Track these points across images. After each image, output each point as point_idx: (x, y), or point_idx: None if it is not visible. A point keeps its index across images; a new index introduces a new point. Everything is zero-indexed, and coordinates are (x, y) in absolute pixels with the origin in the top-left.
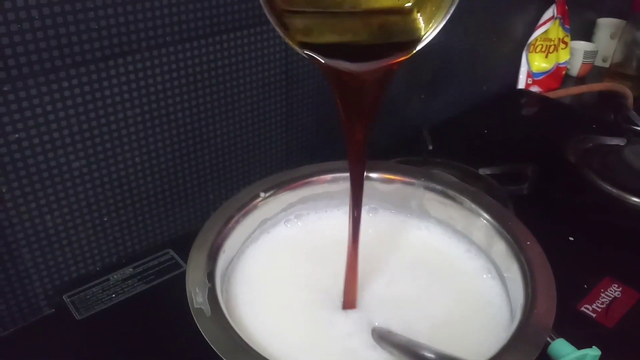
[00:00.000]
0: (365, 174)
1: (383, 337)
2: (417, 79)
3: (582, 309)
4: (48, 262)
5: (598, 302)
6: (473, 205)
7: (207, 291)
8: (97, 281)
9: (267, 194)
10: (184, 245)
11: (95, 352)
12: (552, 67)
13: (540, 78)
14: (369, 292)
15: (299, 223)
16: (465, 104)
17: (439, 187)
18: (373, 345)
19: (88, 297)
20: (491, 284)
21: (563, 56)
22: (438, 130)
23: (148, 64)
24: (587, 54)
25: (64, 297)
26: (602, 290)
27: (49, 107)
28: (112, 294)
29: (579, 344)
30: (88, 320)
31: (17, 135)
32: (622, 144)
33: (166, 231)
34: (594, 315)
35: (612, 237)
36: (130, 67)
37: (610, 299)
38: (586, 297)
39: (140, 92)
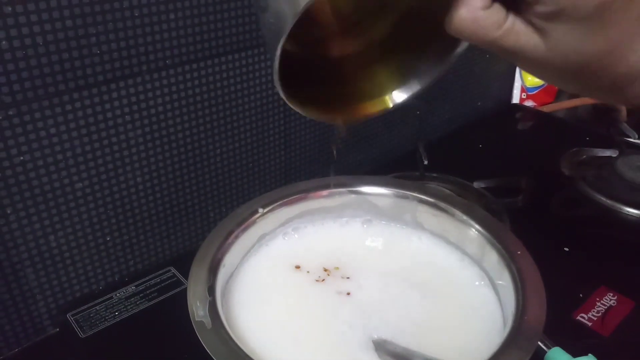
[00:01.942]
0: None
1: (380, 347)
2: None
3: (578, 318)
4: (52, 281)
5: (594, 311)
6: (465, 217)
7: (207, 304)
8: (100, 300)
9: (266, 210)
10: (185, 263)
11: None
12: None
13: (534, 92)
14: (368, 304)
15: (295, 236)
16: (461, 119)
17: (431, 199)
18: (371, 355)
19: (92, 315)
20: (484, 291)
21: None
22: (434, 146)
23: (149, 86)
24: None
25: (67, 316)
26: (598, 299)
27: (52, 130)
28: (115, 312)
29: (575, 353)
30: (92, 338)
31: (22, 158)
32: (614, 155)
33: (167, 249)
34: (589, 324)
35: (607, 247)
36: (132, 90)
37: (606, 307)
38: (582, 307)
39: (142, 114)
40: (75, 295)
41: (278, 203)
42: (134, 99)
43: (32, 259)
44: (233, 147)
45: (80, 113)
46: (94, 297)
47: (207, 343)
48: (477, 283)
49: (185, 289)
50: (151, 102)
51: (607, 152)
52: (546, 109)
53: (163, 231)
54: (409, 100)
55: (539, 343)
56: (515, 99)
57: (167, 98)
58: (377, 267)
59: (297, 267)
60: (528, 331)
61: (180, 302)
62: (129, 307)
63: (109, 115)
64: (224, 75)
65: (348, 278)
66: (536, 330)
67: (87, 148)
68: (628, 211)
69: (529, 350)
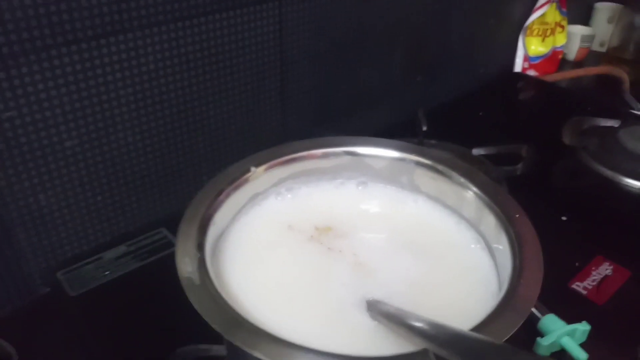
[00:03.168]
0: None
1: (373, 307)
2: (414, 62)
3: (573, 286)
4: (42, 241)
5: (589, 280)
6: (463, 180)
7: (196, 261)
8: (90, 259)
9: (258, 168)
10: (177, 225)
11: (91, 328)
12: (549, 51)
13: (537, 62)
14: (362, 265)
15: (289, 196)
16: (462, 87)
17: (429, 162)
18: (364, 315)
19: (82, 274)
20: (480, 254)
21: (560, 40)
22: (434, 113)
23: (140, 42)
24: (584, 38)
25: (57, 275)
26: (594, 268)
27: (40, 86)
28: (105, 272)
29: (570, 320)
30: (82, 297)
31: (8, 114)
32: (617, 125)
33: (160, 211)
34: (584, 292)
35: (605, 217)
36: (122, 46)
37: (602, 277)
38: (577, 275)
39: (132, 71)
40: (66, 255)
41: (271, 162)
42: (124, 55)
43: (22, 218)
44: (227, 109)
45: (69, 69)
46: (85, 257)
47: (195, 300)
48: (472, 246)
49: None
50: (142, 60)
51: (610, 122)
52: (549, 78)
53: (155, 192)
54: None
55: (533, 310)
56: (518, 68)
57: (159, 55)
58: (372, 229)
59: (290, 227)
60: (524, 295)
61: (171, 263)
62: (119, 267)
63: (99, 71)
64: (218, 33)
65: (342, 239)
66: (532, 293)
67: (77, 105)
68: (628, 182)
69: (524, 313)
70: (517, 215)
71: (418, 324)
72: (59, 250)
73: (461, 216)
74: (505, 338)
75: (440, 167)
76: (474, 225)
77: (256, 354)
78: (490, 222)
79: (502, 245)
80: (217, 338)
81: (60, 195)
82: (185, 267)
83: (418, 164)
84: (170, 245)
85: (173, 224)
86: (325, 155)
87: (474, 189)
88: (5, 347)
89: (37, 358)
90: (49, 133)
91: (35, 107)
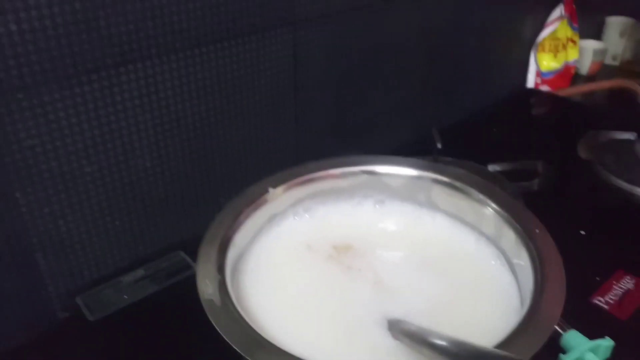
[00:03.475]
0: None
1: (394, 327)
2: (427, 82)
3: (595, 301)
4: (62, 266)
5: (611, 294)
6: (481, 196)
7: (217, 283)
8: (109, 283)
9: (276, 189)
10: (194, 248)
11: (111, 352)
12: (561, 66)
13: (549, 77)
14: (382, 283)
15: (307, 216)
16: (475, 105)
17: (447, 179)
18: (385, 334)
19: (101, 298)
20: (500, 270)
21: (572, 55)
22: (448, 132)
23: (158, 69)
24: (596, 53)
25: (76, 299)
26: (615, 282)
27: (61, 114)
28: (124, 295)
29: (592, 336)
30: (102, 321)
31: (30, 142)
32: (632, 138)
33: (177, 234)
34: (606, 307)
35: (624, 230)
36: (141, 74)
37: (624, 291)
38: (599, 290)
39: (151, 97)
40: (85, 280)
41: (289, 183)
42: (143, 82)
43: (42, 244)
44: (244, 132)
45: (89, 97)
46: (103, 281)
47: (217, 321)
48: (493, 262)
49: (195, 273)
50: (160, 86)
51: (626, 135)
52: (562, 93)
53: (173, 216)
54: None
55: (555, 326)
56: (530, 84)
57: (177, 82)
58: (391, 247)
59: (309, 246)
60: (547, 311)
61: (189, 285)
62: (138, 290)
63: (118, 98)
64: (235, 58)
65: (361, 258)
66: (556, 309)
67: (96, 132)
68: None
69: (548, 330)
70: (538, 231)
71: (440, 342)
72: (78, 275)
73: (480, 232)
74: (530, 356)
75: (458, 184)
76: (493, 242)
77: None
78: (510, 238)
79: (523, 261)
80: None
81: (79, 220)
82: (206, 289)
83: (435, 181)
84: (188, 267)
85: (190, 247)
86: (342, 175)
87: (493, 205)
88: None
89: None
90: (69, 160)
91: (56, 135)
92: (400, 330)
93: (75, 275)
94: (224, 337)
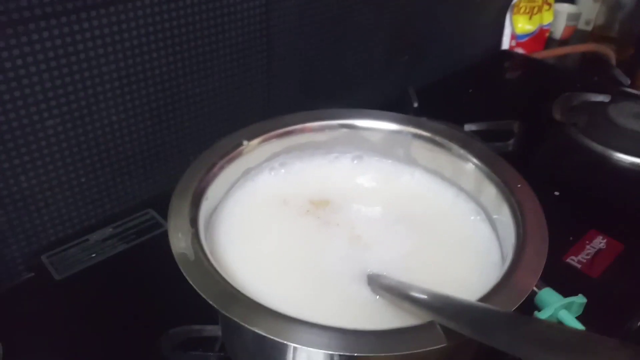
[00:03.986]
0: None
1: (373, 281)
2: (401, 40)
3: (568, 260)
4: (24, 224)
5: (583, 254)
6: (462, 151)
7: (190, 236)
8: (76, 242)
9: (250, 142)
10: (164, 205)
11: (78, 311)
12: (536, 29)
13: (524, 40)
14: (359, 238)
15: (282, 171)
16: (450, 66)
17: (427, 134)
18: (362, 288)
19: (67, 257)
20: (480, 226)
21: (547, 18)
22: (423, 91)
23: (123, 17)
24: (570, 17)
25: (42, 258)
26: (588, 242)
27: (19, 62)
28: (92, 254)
29: (566, 294)
30: (69, 280)
31: None
32: (606, 100)
33: (146, 192)
34: (579, 266)
35: (597, 191)
36: (104, 20)
37: (595, 250)
38: (571, 249)
39: (116, 47)
40: (50, 239)
41: (264, 136)
42: (107, 30)
43: (2, 200)
44: (213, 86)
45: (48, 44)
46: (70, 240)
47: (190, 275)
48: (472, 218)
49: (165, 231)
50: (126, 35)
51: (600, 98)
52: (536, 56)
53: (140, 173)
54: None
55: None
56: (505, 46)
57: (143, 30)
58: (369, 203)
59: (285, 201)
60: (530, 264)
61: (159, 243)
62: (106, 249)
63: (80, 47)
64: (204, 7)
65: (338, 213)
66: (538, 263)
67: (58, 82)
68: (619, 157)
69: (531, 284)
70: (519, 186)
71: (423, 297)
72: (42, 234)
73: (460, 188)
74: (512, 309)
75: (438, 138)
76: (473, 197)
77: (255, 329)
78: (490, 193)
79: (504, 216)
80: (210, 318)
81: (42, 176)
82: (179, 242)
83: (415, 136)
84: (158, 226)
85: (160, 205)
86: (320, 129)
87: (474, 160)
88: None
89: (23, 343)
90: (28, 112)
91: (13, 84)
92: (380, 284)
93: (39, 233)
94: (198, 291)
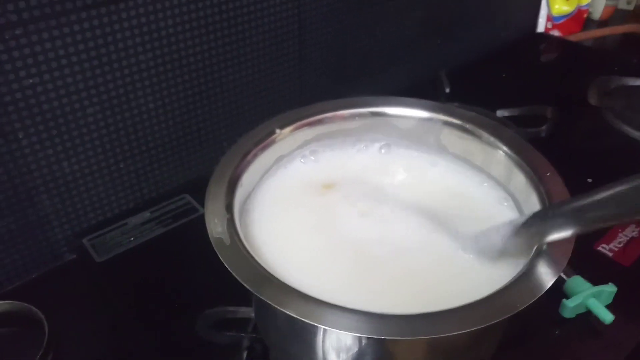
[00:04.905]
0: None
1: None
2: (433, 21)
3: (599, 248)
4: (67, 208)
5: (615, 242)
6: (492, 139)
7: (225, 222)
8: (115, 225)
9: (283, 130)
10: (199, 190)
11: (118, 293)
12: (574, 10)
13: (560, 22)
14: (387, 224)
15: (312, 158)
16: (483, 49)
17: (457, 121)
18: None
19: (107, 240)
20: (508, 213)
21: None
22: (455, 75)
23: (159, 6)
24: None
25: (83, 241)
26: (620, 230)
27: (61, 52)
28: (130, 237)
29: (596, 282)
30: (109, 262)
31: (31, 81)
32: None
33: (182, 177)
34: (610, 254)
35: None
36: (141, 10)
37: (628, 238)
38: (603, 237)
39: (152, 35)
40: (91, 222)
41: (296, 124)
42: (143, 19)
43: (47, 185)
44: (246, 73)
45: (88, 34)
46: (109, 223)
47: (226, 259)
48: (500, 205)
49: (201, 215)
50: (161, 24)
51: (637, 82)
52: (573, 38)
53: (177, 158)
54: None
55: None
56: (541, 28)
57: (178, 19)
58: (400, 191)
59: (316, 188)
60: (555, 253)
61: (196, 227)
62: (144, 232)
63: (119, 36)
64: None
65: (369, 201)
66: (564, 251)
67: (98, 72)
68: None
69: (556, 271)
70: (549, 174)
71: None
72: (83, 217)
73: (489, 175)
74: (537, 297)
75: (468, 125)
76: (502, 185)
77: (286, 310)
78: (520, 181)
79: (532, 204)
80: (244, 300)
81: (83, 162)
82: (215, 227)
83: (446, 123)
84: (194, 210)
85: (195, 190)
86: (351, 116)
87: (504, 147)
88: (36, 314)
89: (66, 323)
90: (70, 100)
91: (56, 74)
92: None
93: (80, 217)
94: (233, 274)
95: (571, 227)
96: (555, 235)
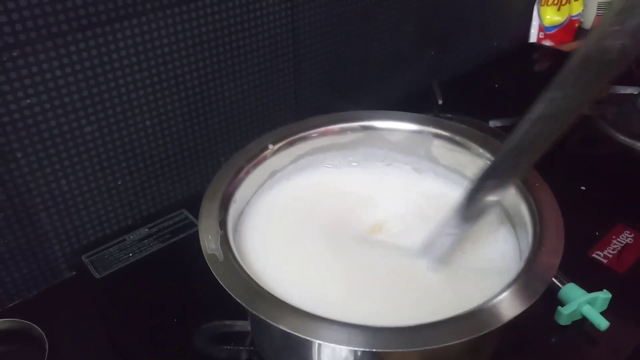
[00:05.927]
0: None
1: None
2: (427, 33)
3: (594, 255)
4: (66, 226)
5: (609, 249)
6: (481, 150)
7: (219, 238)
8: (114, 242)
9: (276, 146)
10: (197, 205)
11: (117, 309)
12: (565, 20)
13: (552, 32)
14: (384, 235)
15: (307, 172)
16: (476, 59)
17: (447, 133)
18: (388, 290)
19: (106, 257)
20: (498, 223)
21: (576, 8)
22: (448, 86)
23: (154, 25)
24: (600, 5)
25: (82, 258)
26: (614, 237)
27: (58, 72)
28: (129, 253)
29: (591, 289)
30: (108, 279)
31: (28, 101)
32: (635, 92)
33: (179, 192)
34: (605, 261)
35: (625, 185)
36: (136, 30)
37: (622, 245)
38: (598, 244)
39: (148, 54)
40: (90, 239)
41: (289, 139)
42: (138, 39)
43: (46, 203)
44: (242, 89)
45: (84, 54)
46: (108, 240)
47: (220, 275)
48: (490, 216)
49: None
50: (157, 43)
51: (628, 90)
52: (565, 47)
53: (174, 174)
54: None
55: (554, 279)
56: (533, 39)
57: (173, 38)
58: (391, 202)
59: (309, 203)
60: (546, 262)
61: (193, 242)
62: (142, 248)
63: (114, 56)
64: (231, 12)
65: (362, 213)
66: (554, 260)
67: (95, 91)
68: None
69: (546, 280)
70: (537, 184)
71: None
72: (82, 235)
73: None
74: (528, 306)
75: (458, 138)
76: None
77: (281, 326)
78: (509, 190)
79: (522, 214)
80: (240, 314)
81: (81, 180)
82: (209, 244)
83: (436, 135)
84: (192, 225)
85: (193, 205)
86: (342, 131)
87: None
88: (36, 331)
89: (65, 340)
90: (68, 119)
91: (53, 94)
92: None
93: (79, 234)
94: (227, 290)
95: (505, 174)
96: (496, 190)
